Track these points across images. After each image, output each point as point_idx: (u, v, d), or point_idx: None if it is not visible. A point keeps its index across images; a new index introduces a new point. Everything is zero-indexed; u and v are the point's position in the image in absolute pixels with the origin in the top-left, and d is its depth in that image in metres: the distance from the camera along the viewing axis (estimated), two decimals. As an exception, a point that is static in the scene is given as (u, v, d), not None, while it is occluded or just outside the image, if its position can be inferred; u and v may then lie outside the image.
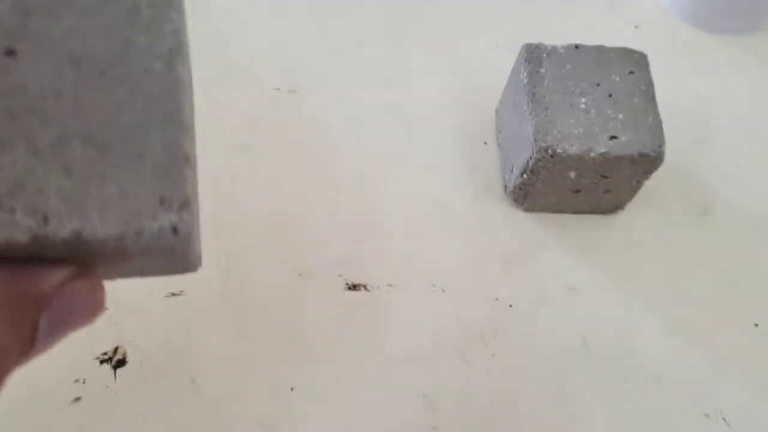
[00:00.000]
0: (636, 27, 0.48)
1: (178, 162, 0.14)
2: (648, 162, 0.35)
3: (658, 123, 0.35)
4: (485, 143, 0.41)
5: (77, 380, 0.32)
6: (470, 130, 0.41)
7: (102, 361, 0.33)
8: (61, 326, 0.15)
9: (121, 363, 0.33)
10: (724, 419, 0.34)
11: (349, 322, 0.35)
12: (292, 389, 0.33)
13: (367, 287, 0.36)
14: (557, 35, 0.39)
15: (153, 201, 0.14)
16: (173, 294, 0.34)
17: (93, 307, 0.16)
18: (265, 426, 0.33)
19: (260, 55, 0.43)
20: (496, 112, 0.42)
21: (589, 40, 0.38)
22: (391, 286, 0.36)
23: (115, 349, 0.33)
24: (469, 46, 0.45)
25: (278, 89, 0.42)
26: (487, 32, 0.46)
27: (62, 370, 0.33)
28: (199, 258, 0.17)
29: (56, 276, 0.15)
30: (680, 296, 0.37)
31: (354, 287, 0.36)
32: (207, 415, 0.32)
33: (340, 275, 0.36)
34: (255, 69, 0.42)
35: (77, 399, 0.32)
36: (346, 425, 0.33)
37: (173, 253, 0.15)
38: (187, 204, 0.14)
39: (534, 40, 0.37)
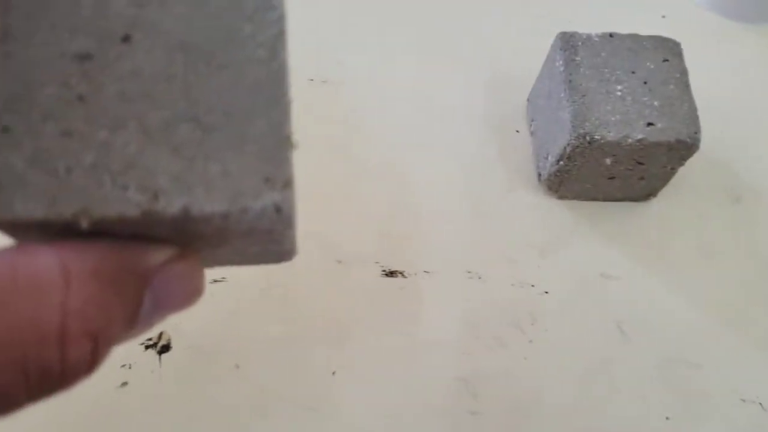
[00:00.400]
0: (663, 16, 0.48)
1: (281, 144, 0.15)
2: (684, 148, 0.35)
3: (693, 110, 0.35)
4: (517, 131, 0.41)
5: (124, 365, 0.33)
6: (502, 119, 0.42)
7: (147, 347, 0.33)
8: (162, 307, 0.15)
9: (166, 348, 0.33)
10: (760, 404, 0.35)
11: (388, 308, 0.36)
12: (333, 373, 0.34)
13: (404, 274, 0.37)
14: (584, 25, 0.39)
15: (258, 180, 0.14)
16: (215, 280, 0.35)
17: (193, 290, 0.16)
18: (307, 409, 0.33)
19: (294, 46, 0.43)
20: (528, 100, 0.42)
21: (617, 29, 0.38)
22: (427, 272, 0.37)
23: (160, 335, 0.34)
24: (498, 36, 0.45)
25: (312, 80, 0.42)
26: (515, 23, 0.46)
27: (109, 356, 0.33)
28: (295, 245, 0.17)
29: (161, 254, 0.15)
30: (714, 282, 0.38)
31: (391, 274, 0.37)
32: (251, 399, 0.33)
33: (377, 262, 0.37)
34: (292, 59, 0.43)
35: (124, 384, 0.33)
36: (386, 408, 0.33)
37: (272, 236, 0.16)
38: (290, 184, 0.15)
39: (561, 30, 0.38)
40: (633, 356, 0.35)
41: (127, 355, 0.33)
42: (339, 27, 0.45)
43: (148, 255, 0.15)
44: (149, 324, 0.16)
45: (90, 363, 0.14)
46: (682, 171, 0.37)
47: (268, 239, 0.16)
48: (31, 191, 0.14)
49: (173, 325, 0.34)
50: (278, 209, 0.14)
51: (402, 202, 0.39)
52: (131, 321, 0.15)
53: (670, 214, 0.39)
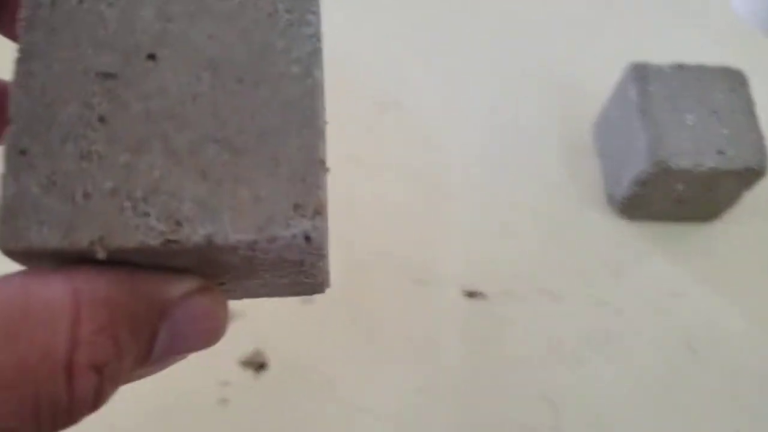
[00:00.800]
0: (715, 42, 0.50)
1: (313, 167, 0.14)
2: (752, 175, 0.37)
3: (760, 138, 0.37)
4: (585, 154, 0.43)
5: (222, 382, 0.34)
6: (569, 142, 0.43)
7: (244, 364, 0.35)
8: (180, 343, 0.14)
9: (262, 366, 0.35)
10: (826, 419, 0.36)
11: (470, 327, 0.37)
12: (419, 390, 0.35)
13: (484, 294, 0.38)
14: (637, 52, 0.40)
15: (287, 207, 0.14)
16: (305, 301, 0.36)
17: (214, 326, 0.15)
18: (396, 424, 0.34)
19: (369, 70, 0.45)
20: (596, 125, 0.43)
21: (674, 55, 0.39)
22: (506, 293, 0.38)
23: (256, 353, 0.35)
24: (567, 61, 0.47)
25: (383, 102, 0.44)
26: (582, 48, 0.48)
27: (207, 373, 0.35)
28: (328, 277, 0.16)
29: (181, 286, 0.14)
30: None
31: (471, 294, 0.38)
32: (343, 416, 0.34)
33: (458, 283, 0.38)
34: (364, 83, 0.44)
35: (223, 400, 0.34)
36: (471, 424, 0.35)
37: (302, 267, 0.15)
38: (321, 211, 0.14)
39: (611, 57, 0.40)
40: (703, 372, 0.37)
41: (224, 372, 0.35)
42: (411, 53, 0.46)
43: (167, 286, 0.14)
44: (165, 362, 0.15)
45: (94, 399, 0.13)
46: (746, 194, 0.39)
47: (297, 270, 0.15)
48: (45, 218, 0.13)
49: (268, 343, 0.35)
50: (308, 238, 0.13)
51: (477, 223, 0.40)
52: (143, 357, 0.14)
53: (735, 235, 0.41)
